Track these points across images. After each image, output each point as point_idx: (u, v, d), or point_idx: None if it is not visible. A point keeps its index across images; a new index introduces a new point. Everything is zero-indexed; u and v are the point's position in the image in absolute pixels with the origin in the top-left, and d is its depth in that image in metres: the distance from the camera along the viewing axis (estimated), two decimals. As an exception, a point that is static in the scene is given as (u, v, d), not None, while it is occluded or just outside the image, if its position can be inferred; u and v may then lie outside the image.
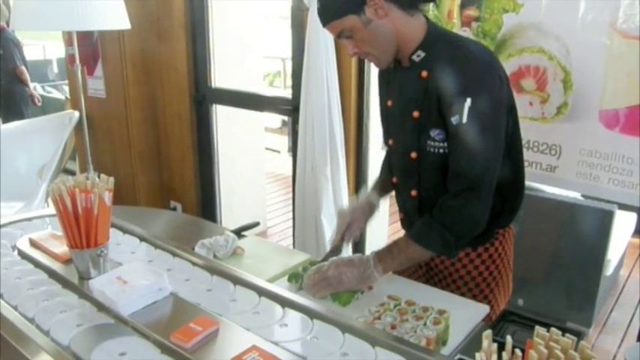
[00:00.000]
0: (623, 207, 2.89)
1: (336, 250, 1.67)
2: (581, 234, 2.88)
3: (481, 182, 1.41)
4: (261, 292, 1.30)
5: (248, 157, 4.23)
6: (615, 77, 1.99)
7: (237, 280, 1.35)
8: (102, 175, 1.36)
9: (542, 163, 2.23)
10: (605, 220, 2.77)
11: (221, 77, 3.60)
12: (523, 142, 2.23)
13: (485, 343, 0.68)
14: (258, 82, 4.41)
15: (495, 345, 0.68)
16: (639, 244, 4.11)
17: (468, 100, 1.34)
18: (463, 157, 1.41)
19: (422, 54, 1.45)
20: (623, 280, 3.72)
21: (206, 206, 3.82)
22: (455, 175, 1.43)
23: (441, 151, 1.45)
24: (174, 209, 3.84)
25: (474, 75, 1.37)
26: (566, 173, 2.18)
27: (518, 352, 0.67)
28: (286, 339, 1.12)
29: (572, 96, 2.10)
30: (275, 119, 6.50)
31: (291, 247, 3.12)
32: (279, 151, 6.38)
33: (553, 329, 0.71)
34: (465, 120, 1.35)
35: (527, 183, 2.85)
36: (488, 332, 0.69)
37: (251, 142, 4.27)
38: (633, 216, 3.57)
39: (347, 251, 1.86)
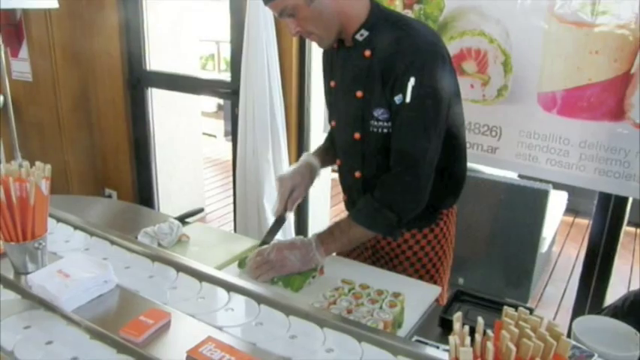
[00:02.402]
0: (557, 186, 3.01)
1: (281, 220, 1.64)
2: (518, 213, 2.98)
3: (422, 161, 1.41)
4: (204, 277, 1.26)
5: (185, 142, 4.12)
6: (552, 61, 2.05)
7: (179, 267, 1.30)
8: (37, 163, 1.27)
9: (483, 145, 2.28)
10: (540, 200, 2.88)
11: (156, 61, 3.47)
12: (464, 123, 2.29)
13: (456, 325, 0.67)
14: (193, 65, 4.29)
15: (467, 327, 0.67)
16: (570, 222, 4.32)
17: (412, 80, 1.34)
18: (405, 136, 1.41)
19: (365, 33, 1.43)
20: (556, 257, 3.89)
21: (143, 193, 3.69)
22: (396, 154, 1.43)
23: (385, 130, 1.44)
24: (110, 197, 3.70)
25: (418, 55, 1.36)
26: (506, 154, 2.24)
27: (489, 333, 0.67)
28: (233, 324, 1.09)
29: (512, 78, 2.14)
30: (210, 103, 6.37)
31: (233, 231, 3.07)
32: (215, 136, 6.27)
33: (521, 309, 0.71)
34: (408, 99, 1.35)
35: (468, 164, 2.93)
36: (458, 315, 0.69)
37: (188, 126, 4.16)
38: (565, 195, 3.74)
39: (290, 219, 1.81)
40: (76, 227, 1.52)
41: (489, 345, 0.64)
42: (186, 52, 4.04)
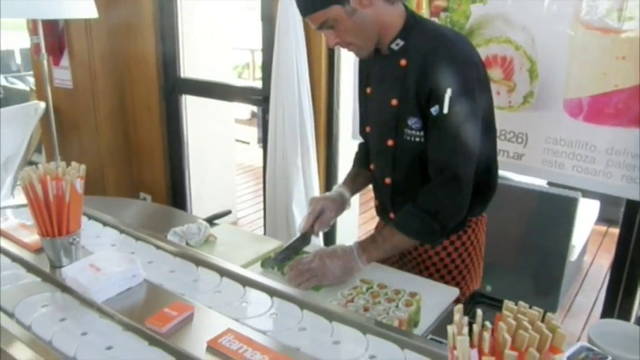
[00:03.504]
0: (588, 194, 2.98)
1: (306, 238, 1.65)
2: (547, 221, 2.96)
3: (463, 172, 1.42)
4: (223, 272, 1.32)
5: (218, 148, 4.21)
6: (579, 67, 2.04)
7: (199, 262, 1.37)
8: (73, 163, 1.34)
9: (509, 151, 2.28)
10: (569, 208, 2.85)
11: (190, 68, 3.57)
12: (491, 130, 2.30)
13: (456, 316, 0.70)
14: (227, 73, 4.39)
15: (466, 318, 0.70)
16: (603, 231, 4.25)
17: (449, 91, 1.35)
18: (445, 147, 1.42)
19: (401, 42, 1.46)
20: (587, 266, 3.83)
21: (176, 197, 3.79)
22: (437, 165, 1.44)
23: (417, 139, 1.46)
24: (144, 200, 3.81)
25: (454, 65, 1.37)
26: (532, 161, 2.24)
27: (487, 324, 0.70)
28: (250, 316, 1.15)
29: (537, 85, 2.15)
30: (244, 110, 6.48)
31: (262, 235, 3.12)
32: (248, 143, 6.36)
33: (521, 302, 0.74)
34: (445, 110, 1.37)
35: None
36: (459, 307, 0.72)
37: (221, 133, 4.26)
38: (596, 204, 3.68)
39: (316, 241, 1.85)
40: (105, 224, 1.60)
41: (486, 335, 0.67)
42: (220, 60, 4.14)
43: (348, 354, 1.03)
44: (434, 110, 1.37)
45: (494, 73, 2.23)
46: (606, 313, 2.27)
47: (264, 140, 3.08)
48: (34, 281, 1.30)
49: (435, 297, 1.41)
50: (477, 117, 1.42)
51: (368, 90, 1.60)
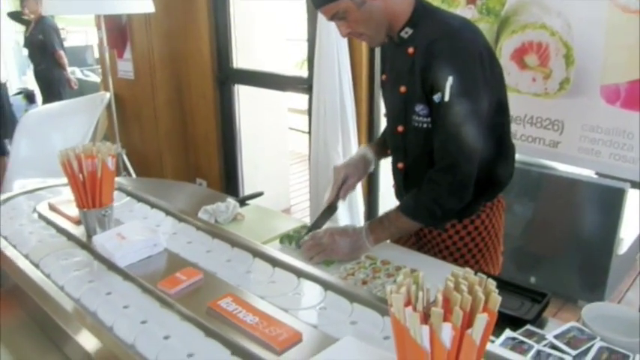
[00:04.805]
0: (637, 186, 2.88)
1: (332, 207, 1.71)
2: (593, 212, 2.89)
3: (462, 158, 1.45)
4: (235, 243, 1.43)
5: (271, 137, 4.34)
6: (616, 52, 2.00)
7: (215, 235, 1.47)
8: (107, 143, 1.48)
9: (545, 139, 2.26)
10: (616, 199, 2.77)
11: (243, 60, 3.71)
12: (526, 118, 2.28)
13: (400, 277, 0.76)
14: (283, 64, 4.48)
15: (410, 279, 0.76)
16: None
17: (450, 79, 1.38)
18: (446, 134, 1.46)
19: (410, 31, 1.50)
20: (643, 261, 3.68)
21: (230, 183, 3.96)
22: (438, 151, 1.48)
23: (425, 126, 1.50)
24: (200, 185, 4.00)
25: (457, 53, 1.40)
26: (568, 149, 2.20)
27: (427, 287, 0.75)
28: (253, 283, 1.24)
29: (574, 71, 2.11)
30: (302, 100, 6.57)
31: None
32: (304, 132, 6.44)
33: (467, 269, 0.78)
34: (447, 98, 1.40)
35: (534, 160, 2.88)
36: (406, 270, 0.77)
37: (274, 122, 4.38)
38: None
39: (342, 207, 1.87)
40: (139, 200, 1.74)
41: (420, 294, 0.72)
42: (274, 51, 4.26)
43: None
44: (436, 98, 1.41)
45: (530, 59, 2.21)
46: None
47: (309, 128, 3.17)
48: (72, 249, 1.44)
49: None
50: (479, 105, 1.43)
51: (383, 77, 1.66)
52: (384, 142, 1.85)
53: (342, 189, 1.73)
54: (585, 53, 2.07)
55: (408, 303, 0.73)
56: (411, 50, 1.49)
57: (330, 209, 1.72)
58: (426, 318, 0.71)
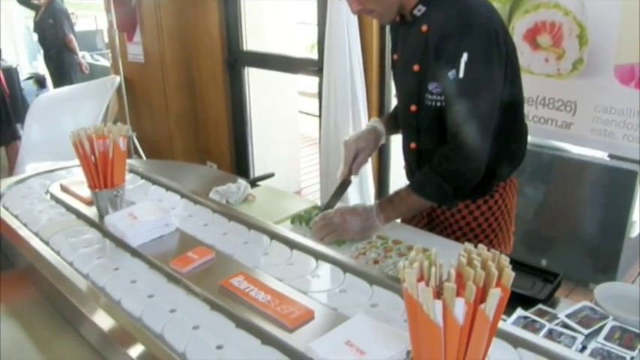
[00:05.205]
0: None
1: (345, 183, 1.70)
2: (605, 195, 2.87)
3: (475, 136, 1.44)
4: (251, 226, 1.42)
5: (282, 121, 4.33)
6: (630, 31, 1.97)
7: (231, 217, 1.47)
8: (119, 124, 1.48)
9: (557, 120, 2.24)
10: (628, 181, 2.75)
11: (253, 42, 3.69)
12: (538, 99, 2.26)
13: (412, 253, 0.76)
14: (295, 49, 4.45)
15: (422, 256, 0.76)
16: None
17: (464, 55, 1.37)
18: (459, 111, 1.44)
19: (422, 8, 1.48)
20: (657, 245, 3.65)
21: (240, 166, 3.97)
22: (451, 128, 1.47)
23: (438, 104, 1.49)
24: (211, 168, 4.01)
25: (470, 30, 1.39)
26: (580, 130, 2.19)
27: (440, 262, 0.75)
28: (268, 264, 1.24)
29: (587, 51, 2.09)
30: (313, 83, 6.54)
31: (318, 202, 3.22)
32: (316, 115, 6.42)
33: (480, 245, 0.78)
34: (461, 75, 1.38)
35: (546, 142, 2.86)
36: (419, 247, 0.77)
37: (284, 105, 4.37)
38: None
39: (353, 188, 1.84)
40: (154, 183, 1.74)
41: (433, 270, 0.72)
42: (284, 34, 4.24)
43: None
44: (450, 75, 1.39)
45: (543, 39, 2.19)
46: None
47: (320, 110, 3.16)
48: (82, 227, 1.45)
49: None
50: (493, 83, 1.42)
51: (394, 56, 1.64)
52: (395, 118, 1.83)
53: (353, 164, 1.71)
54: (599, 33, 2.05)
55: (420, 278, 0.72)
56: (424, 28, 1.48)
57: (344, 185, 1.71)
58: (438, 294, 0.71)
